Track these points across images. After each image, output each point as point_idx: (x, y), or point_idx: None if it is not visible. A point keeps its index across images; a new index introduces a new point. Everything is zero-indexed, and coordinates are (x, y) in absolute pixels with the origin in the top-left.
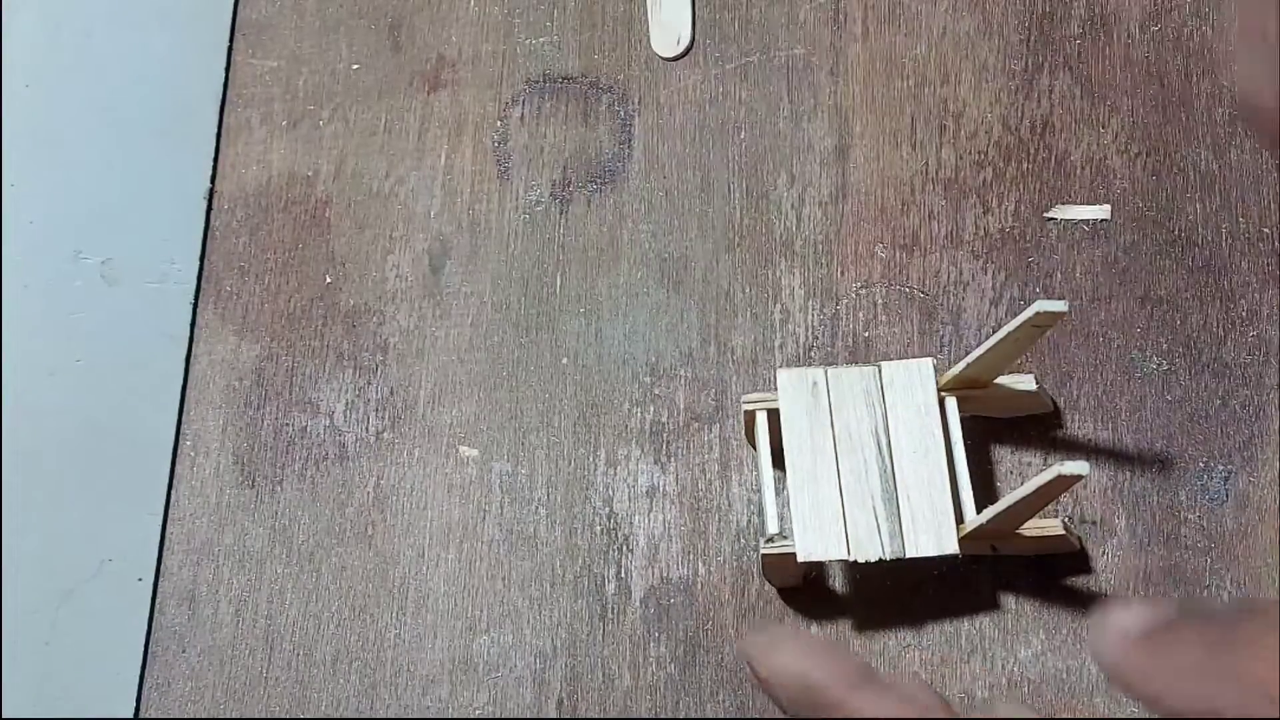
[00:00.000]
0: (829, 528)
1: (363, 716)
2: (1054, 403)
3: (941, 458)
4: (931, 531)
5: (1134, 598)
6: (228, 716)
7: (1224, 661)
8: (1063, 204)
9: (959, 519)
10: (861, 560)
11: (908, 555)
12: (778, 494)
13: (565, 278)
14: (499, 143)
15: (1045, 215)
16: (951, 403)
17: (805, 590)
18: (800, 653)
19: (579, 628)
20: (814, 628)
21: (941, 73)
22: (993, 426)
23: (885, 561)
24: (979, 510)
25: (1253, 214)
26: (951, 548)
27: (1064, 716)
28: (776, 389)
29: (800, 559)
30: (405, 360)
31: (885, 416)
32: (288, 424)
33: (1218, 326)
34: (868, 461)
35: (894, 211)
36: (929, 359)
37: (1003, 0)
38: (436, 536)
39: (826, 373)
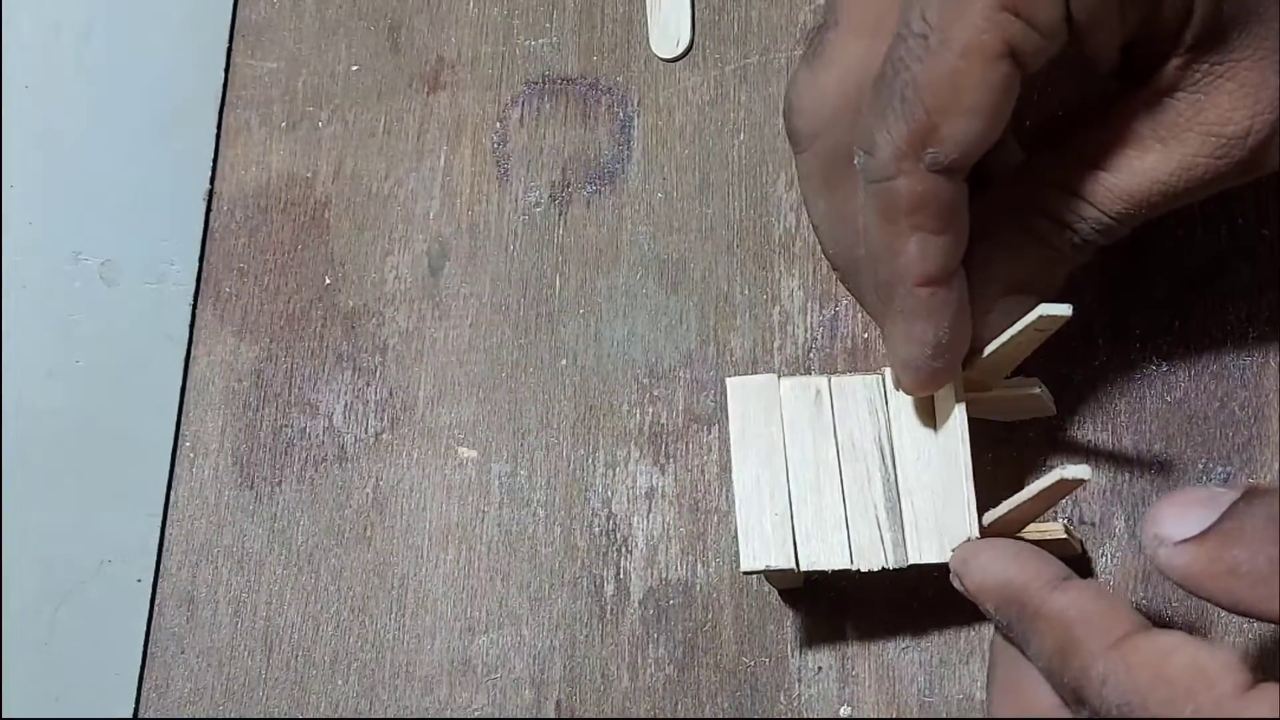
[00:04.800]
0: (831, 536)
1: (362, 717)
2: (1055, 405)
3: (945, 464)
4: (935, 539)
5: (1180, 496)
6: (227, 717)
7: None
8: None
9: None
10: (865, 569)
11: (911, 563)
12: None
13: (564, 279)
14: (498, 144)
15: None
16: (955, 407)
17: (806, 592)
18: (1001, 557)
19: (578, 629)
20: (814, 628)
21: None
22: (992, 429)
23: (889, 570)
24: (981, 515)
25: (1252, 215)
26: (953, 551)
27: (1066, 716)
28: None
29: (803, 568)
30: (404, 361)
31: (888, 424)
32: (287, 425)
33: (1217, 328)
34: (870, 470)
35: None
36: None
37: None
38: (435, 537)
39: (829, 382)
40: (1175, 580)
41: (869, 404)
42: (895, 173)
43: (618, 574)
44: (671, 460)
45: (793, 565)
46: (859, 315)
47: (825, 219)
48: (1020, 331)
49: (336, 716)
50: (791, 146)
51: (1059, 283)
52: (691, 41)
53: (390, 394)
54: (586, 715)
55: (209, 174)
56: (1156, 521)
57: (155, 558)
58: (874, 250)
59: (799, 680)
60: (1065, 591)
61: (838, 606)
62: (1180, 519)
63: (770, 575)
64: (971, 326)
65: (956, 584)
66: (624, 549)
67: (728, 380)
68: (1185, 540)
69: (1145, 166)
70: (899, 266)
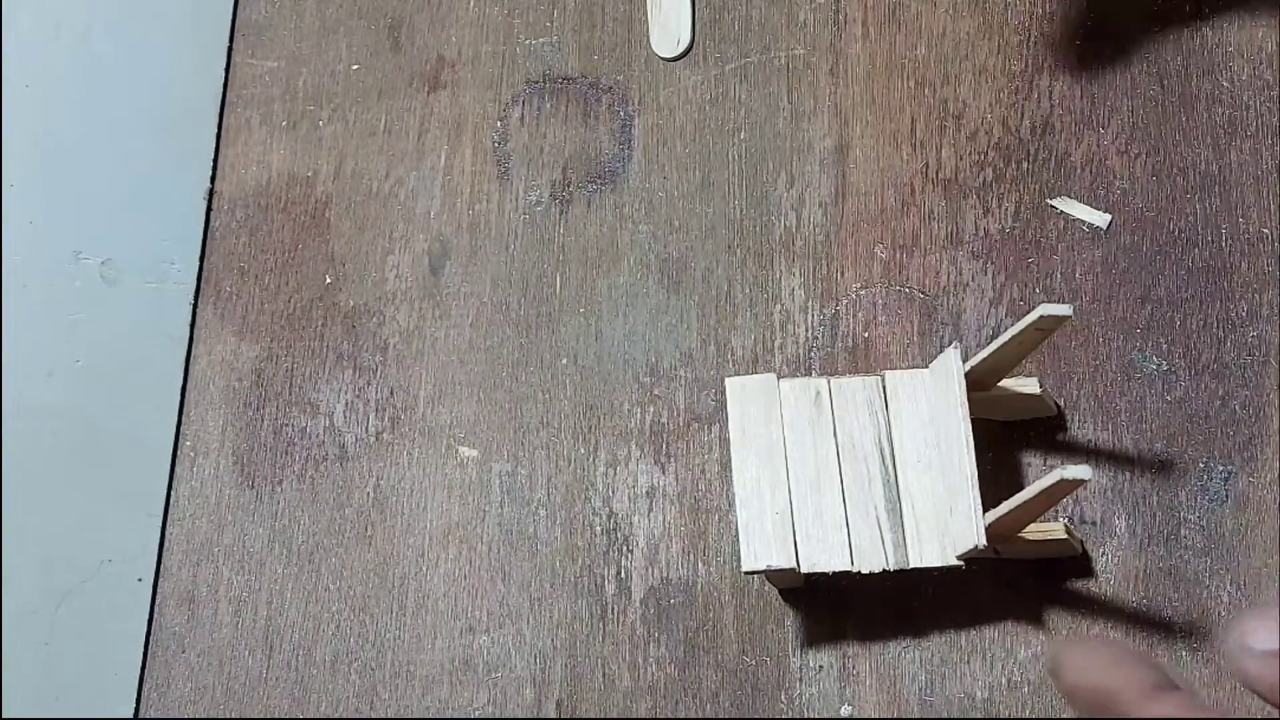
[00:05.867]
0: (832, 537)
1: (362, 717)
2: (1056, 405)
3: (946, 467)
4: (936, 541)
5: (1267, 609)
6: (227, 717)
7: None
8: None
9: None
10: (865, 571)
11: (911, 565)
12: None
13: (565, 278)
14: (499, 143)
15: (1048, 201)
16: (959, 413)
17: (806, 592)
18: (1100, 661)
19: (579, 628)
20: (815, 628)
21: (941, 73)
22: (992, 429)
23: (889, 571)
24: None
25: (1252, 214)
26: (955, 558)
27: (1071, 717)
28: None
29: (803, 570)
30: (405, 361)
31: (889, 426)
32: (287, 424)
33: (1217, 327)
34: (870, 471)
35: (894, 212)
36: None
37: (1002, 1)
38: (436, 537)
39: (829, 383)
40: (1259, 691)
41: (869, 405)
42: None
43: (619, 573)
44: (672, 459)
45: (793, 565)
46: (859, 314)
47: None
48: (1021, 332)
49: (337, 716)
50: None
51: None
52: (692, 41)
53: (391, 393)
54: (587, 715)
55: (209, 173)
56: (1244, 632)
57: (156, 557)
58: None
59: (800, 679)
60: (1159, 701)
61: (838, 606)
62: (1268, 631)
63: (771, 575)
64: None
65: (1053, 680)
66: (625, 548)
67: (726, 380)
68: (1268, 651)
69: None
70: None
